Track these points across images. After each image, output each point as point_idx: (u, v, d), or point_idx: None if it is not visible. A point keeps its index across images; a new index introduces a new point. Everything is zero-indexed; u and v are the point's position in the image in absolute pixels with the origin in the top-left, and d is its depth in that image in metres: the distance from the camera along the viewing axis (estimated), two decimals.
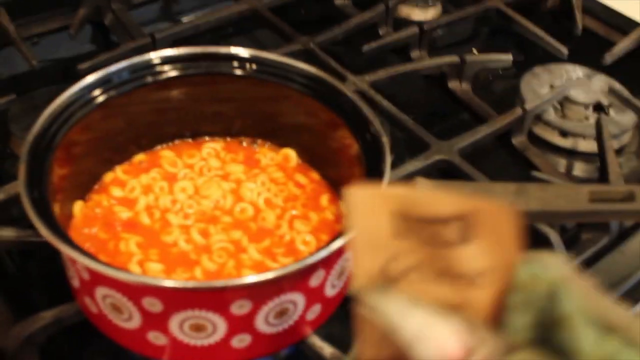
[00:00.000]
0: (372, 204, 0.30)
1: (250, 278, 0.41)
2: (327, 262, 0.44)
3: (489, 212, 0.30)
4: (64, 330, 0.49)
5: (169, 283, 0.40)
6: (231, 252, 0.51)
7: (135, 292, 0.42)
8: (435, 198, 0.30)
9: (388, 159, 0.47)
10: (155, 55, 0.53)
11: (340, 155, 0.54)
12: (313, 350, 0.49)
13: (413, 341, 0.28)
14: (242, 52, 0.54)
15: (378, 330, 0.29)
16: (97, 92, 0.52)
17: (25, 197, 0.44)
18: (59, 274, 0.48)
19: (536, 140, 0.72)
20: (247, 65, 0.54)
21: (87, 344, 0.51)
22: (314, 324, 0.48)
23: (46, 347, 0.49)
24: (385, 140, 0.48)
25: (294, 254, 0.51)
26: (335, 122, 0.52)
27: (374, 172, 0.47)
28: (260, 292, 0.43)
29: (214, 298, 0.42)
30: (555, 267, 0.29)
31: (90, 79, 0.52)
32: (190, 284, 0.41)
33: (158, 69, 0.53)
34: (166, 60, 0.54)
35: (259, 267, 0.50)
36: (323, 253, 0.42)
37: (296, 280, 0.43)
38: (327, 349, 0.48)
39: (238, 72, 0.55)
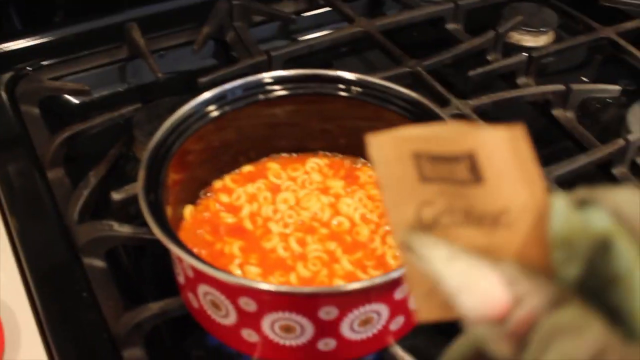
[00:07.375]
0: (394, 149, 0.28)
1: (338, 287, 0.44)
2: None
3: (493, 145, 0.27)
4: (168, 322, 0.54)
5: (263, 286, 0.44)
6: (325, 262, 0.54)
7: (233, 291, 0.46)
8: (446, 135, 0.28)
9: None
10: (267, 75, 0.58)
11: None
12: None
13: (457, 290, 0.25)
14: (347, 75, 0.58)
15: (427, 281, 0.27)
16: (212, 107, 0.56)
17: (142, 199, 0.49)
18: (167, 270, 0.53)
19: (638, 171, 0.72)
20: (352, 87, 0.58)
21: (188, 335, 0.56)
22: (397, 335, 0.51)
23: (151, 335, 0.54)
24: None
25: (384, 267, 0.54)
26: None
27: None
28: (346, 301, 0.46)
29: (303, 303, 0.45)
30: (602, 218, 0.25)
31: (206, 95, 0.56)
32: (283, 289, 0.45)
33: (269, 87, 0.58)
34: (277, 80, 0.58)
35: (350, 277, 0.53)
36: None
37: (382, 292, 0.46)
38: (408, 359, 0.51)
39: (342, 93, 0.58)
